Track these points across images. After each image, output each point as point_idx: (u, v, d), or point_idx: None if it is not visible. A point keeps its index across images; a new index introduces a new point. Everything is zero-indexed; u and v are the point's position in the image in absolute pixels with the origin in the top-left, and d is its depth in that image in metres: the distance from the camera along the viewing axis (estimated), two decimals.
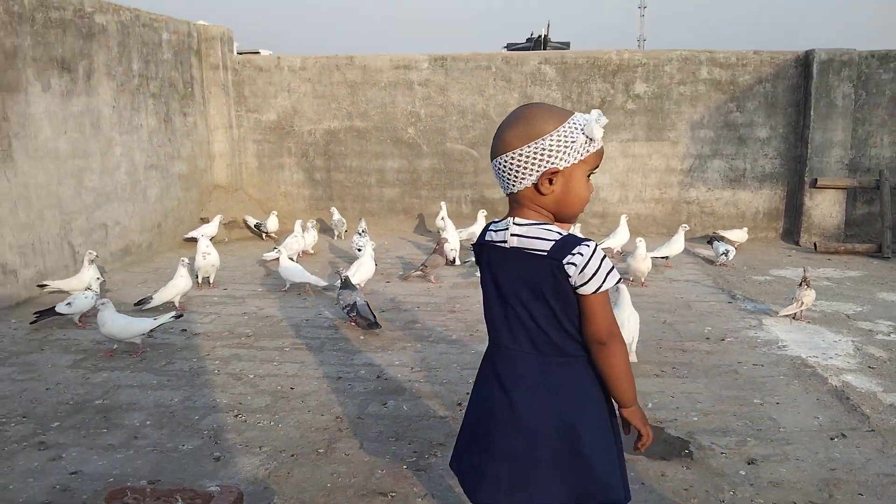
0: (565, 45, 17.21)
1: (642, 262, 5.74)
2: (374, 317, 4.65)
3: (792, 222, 7.92)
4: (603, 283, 1.70)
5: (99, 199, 6.39)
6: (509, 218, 1.80)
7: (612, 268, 1.73)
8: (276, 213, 8.11)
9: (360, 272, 5.42)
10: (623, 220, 6.94)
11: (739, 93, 7.94)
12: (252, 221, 8.20)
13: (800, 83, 7.82)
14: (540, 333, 1.80)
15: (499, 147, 1.76)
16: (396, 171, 8.61)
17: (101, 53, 6.42)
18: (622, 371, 1.80)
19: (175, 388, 3.76)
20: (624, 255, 6.46)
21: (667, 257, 6.53)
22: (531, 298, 1.78)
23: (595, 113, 1.73)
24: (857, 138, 7.74)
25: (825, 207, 7.76)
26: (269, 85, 8.59)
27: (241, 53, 9.50)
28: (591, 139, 1.72)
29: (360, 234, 6.72)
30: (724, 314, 5.14)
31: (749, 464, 2.94)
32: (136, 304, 5.13)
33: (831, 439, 3.16)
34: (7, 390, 3.71)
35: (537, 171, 1.72)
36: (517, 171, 1.74)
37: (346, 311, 4.73)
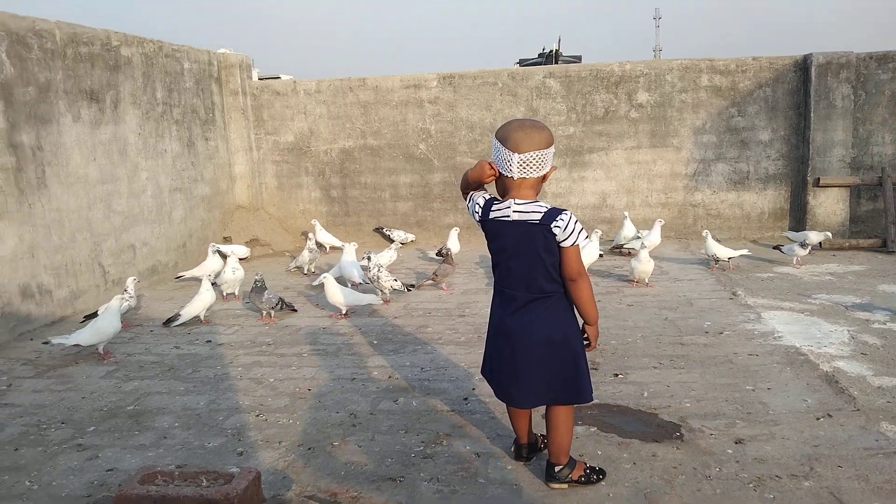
0: (577, 59, 17.37)
1: (646, 263, 5.93)
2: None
3: (797, 221, 8.05)
4: (577, 239, 2.53)
5: (127, 221, 6.73)
6: (510, 199, 2.57)
7: (582, 228, 2.56)
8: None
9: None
10: (657, 224, 7.10)
11: (740, 98, 8.11)
12: (399, 237, 8.47)
13: (799, 86, 7.98)
14: (530, 278, 2.60)
15: (530, 144, 2.49)
16: (409, 186, 8.90)
17: (127, 84, 6.79)
18: (587, 299, 2.64)
19: (201, 392, 4.03)
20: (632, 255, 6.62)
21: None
22: (527, 253, 2.56)
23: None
24: (859, 137, 7.86)
25: (829, 205, 7.89)
26: (286, 108, 8.95)
27: (262, 79, 9.87)
28: None
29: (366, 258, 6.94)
30: (724, 310, 5.30)
31: (736, 443, 3.12)
32: (164, 324, 5.40)
33: (817, 419, 3.33)
34: (47, 400, 3.99)
35: (548, 166, 2.57)
36: (539, 164, 2.53)
37: (277, 306, 5.56)
